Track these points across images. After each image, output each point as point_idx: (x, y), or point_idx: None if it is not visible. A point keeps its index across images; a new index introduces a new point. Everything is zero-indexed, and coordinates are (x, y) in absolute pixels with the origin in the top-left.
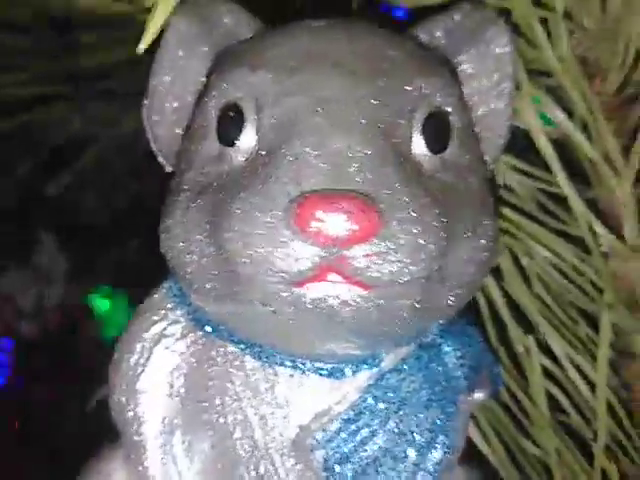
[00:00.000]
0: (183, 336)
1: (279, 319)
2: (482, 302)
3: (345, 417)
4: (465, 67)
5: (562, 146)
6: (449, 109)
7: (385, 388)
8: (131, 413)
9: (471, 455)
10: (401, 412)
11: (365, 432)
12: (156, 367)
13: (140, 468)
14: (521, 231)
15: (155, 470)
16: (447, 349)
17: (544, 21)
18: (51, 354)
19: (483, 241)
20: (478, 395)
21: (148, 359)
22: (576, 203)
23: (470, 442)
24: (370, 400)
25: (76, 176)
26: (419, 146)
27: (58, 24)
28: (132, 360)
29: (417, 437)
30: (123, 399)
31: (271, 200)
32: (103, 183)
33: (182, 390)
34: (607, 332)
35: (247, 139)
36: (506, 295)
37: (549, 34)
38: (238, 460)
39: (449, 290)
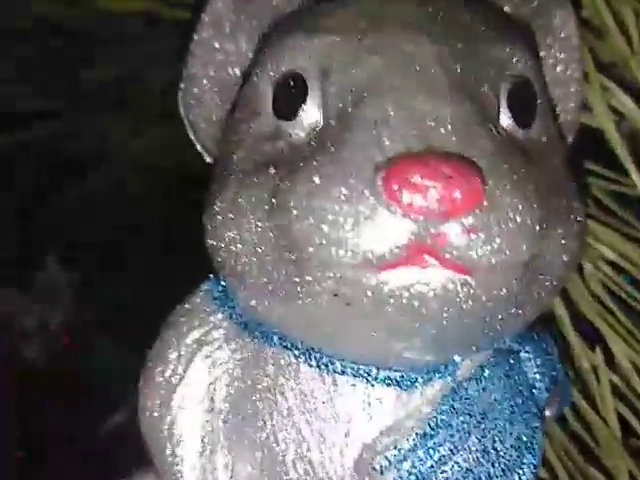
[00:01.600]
0: (226, 342)
1: (353, 315)
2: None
3: (421, 432)
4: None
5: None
6: (532, 81)
7: (464, 399)
8: (166, 432)
9: None
10: (483, 427)
11: (444, 450)
12: (195, 379)
13: None
14: (590, 236)
15: None
16: (526, 356)
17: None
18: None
19: (576, 227)
20: (546, 412)
21: (186, 370)
22: None
23: None
24: (448, 413)
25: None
26: (506, 119)
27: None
28: (167, 371)
29: (502, 455)
30: (157, 416)
31: (350, 167)
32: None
33: (225, 405)
34: None
35: (310, 111)
36: (567, 304)
37: (617, 21)
38: (292, 473)
39: (540, 284)
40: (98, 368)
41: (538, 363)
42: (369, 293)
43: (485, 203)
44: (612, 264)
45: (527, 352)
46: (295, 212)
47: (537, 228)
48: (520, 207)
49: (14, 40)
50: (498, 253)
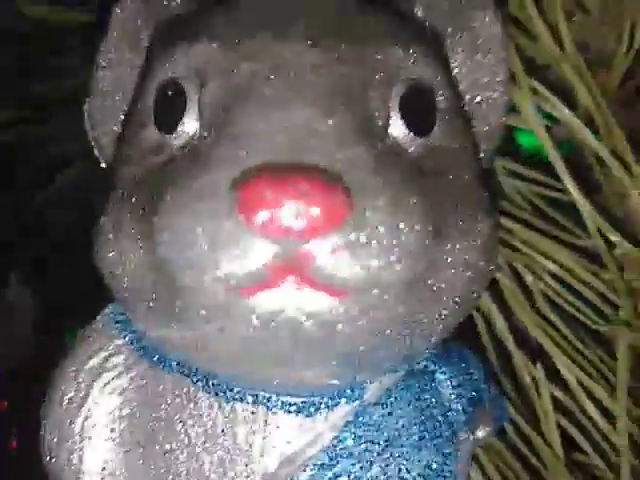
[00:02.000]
0: (127, 369)
1: (229, 340)
2: (481, 325)
3: (319, 463)
4: (453, 51)
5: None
6: (434, 84)
7: (367, 425)
8: (66, 462)
9: None
10: (387, 455)
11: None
12: (95, 407)
13: None
14: (522, 243)
15: None
16: (441, 377)
17: (539, 3)
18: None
19: (478, 242)
20: (480, 433)
21: (85, 398)
22: (586, 209)
23: None
24: (349, 441)
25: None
26: (398, 126)
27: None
28: (66, 399)
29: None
30: (55, 445)
31: (210, 186)
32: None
33: (125, 435)
34: (625, 356)
35: (189, 122)
36: (508, 317)
37: (545, 20)
38: None
39: (441, 302)
40: None
41: (454, 384)
42: (241, 319)
43: (351, 221)
44: (553, 275)
45: (443, 372)
46: (160, 234)
47: (419, 243)
48: (395, 224)
49: None
50: (370, 274)
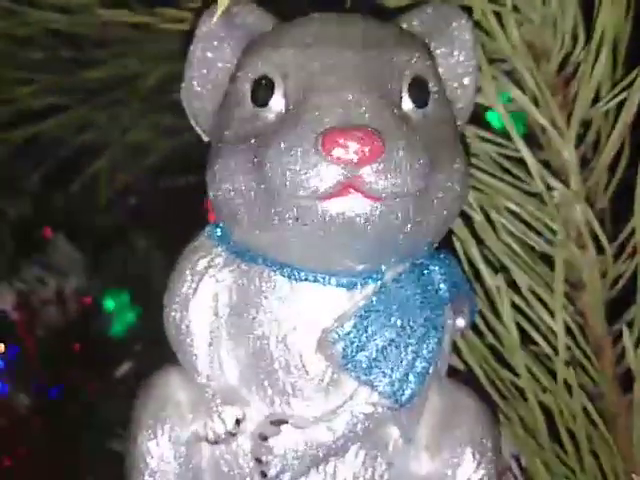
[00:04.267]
0: (226, 265)
1: (309, 234)
2: (459, 249)
3: (358, 316)
4: (437, 51)
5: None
6: (427, 76)
7: (387, 294)
8: (184, 329)
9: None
10: (401, 311)
11: (374, 327)
12: (204, 293)
13: (193, 372)
14: (490, 189)
15: (205, 372)
16: (433, 268)
17: (498, 15)
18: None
19: (457, 175)
20: (459, 322)
21: (197, 287)
22: (532, 163)
23: (455, 369)
24: (377, 303)
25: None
26: (407, 103)
27: (69, 40)
28: (185, 286)
29: (415, 330)
30: (178, 320)
31: (302, 136)
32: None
33: (226, 309)
34: (561, 268)
35: (277, 101)
36: (479, 242)
37: (502, 26)
38: (273, 359)
39: (435, 211)
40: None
41: (442, 272)
42: (319, 216)
43: (385, 155)
44: (512, 212)
45: (435, 265)
46: (269, 165)
47: (421, 170)
48: (409, 157)
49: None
50: (395, 186)
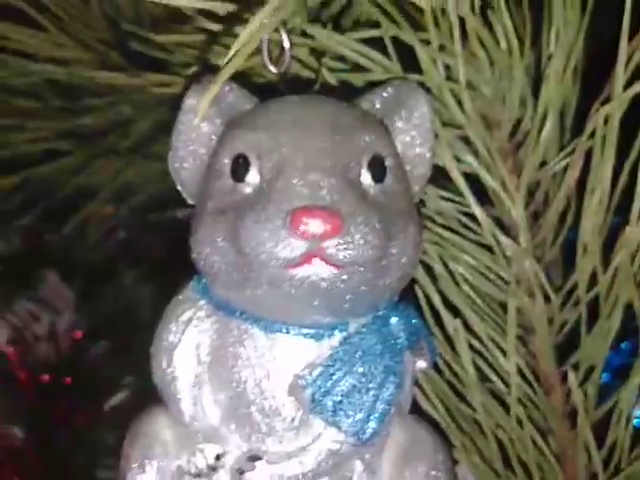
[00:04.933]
0: (208, 317)
1: (280, 295)
2: (421, 297)
3: (325, 364)
4: (398, 124)
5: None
6: (385, 154)
7: (351, 344)
8: (170, 375)
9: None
10: (363, 360)
11: (339, 374)
12: (188, 341)
13: (178, 413)
14: (448, 243)
15: (189, 414)
16: (393, 320)
17: (453, 90)
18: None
19: (410, 241)
20: (420, 364)
21: (181, 337)
22: (484, 220)
23: (418, 405)
24: (342, 353)
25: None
26: (366, 178)
27: (63, 90)
28: (170, 336)
29: (375, 376)
30: (164, 365)
31: (273, 214)
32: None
33: (208, 357)
34: (513, 314)
35: (253, 176)
36: (439, 292)
37: (458, 100)
38: (250, 402)
39: (391, 274)
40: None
41: (402, 322)
42: (288, 281)
43: (344, 231)
44: (467, 263)
45: (394, 316)
46: (244, 237)
47: (378, 242)
48: (365, 231)
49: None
50: (354, 257)
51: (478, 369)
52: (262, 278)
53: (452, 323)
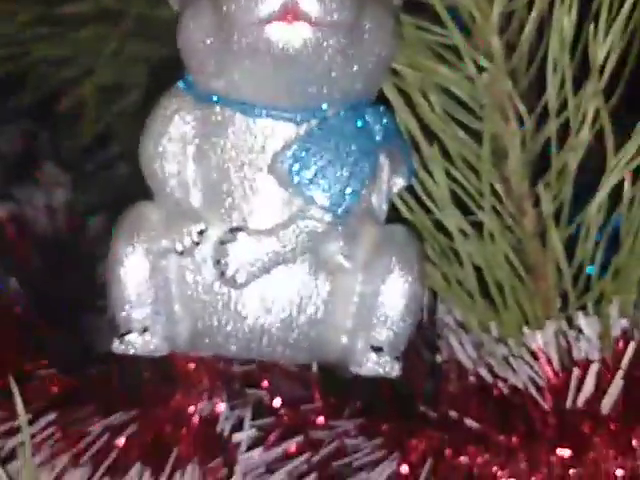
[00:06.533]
0: (193, 108)
1: (258, 68)
2: (400, 121)
3: (302, 140)
4: None
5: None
6: None
7: (328, 125)
8: (157, 157)
9: None
10: (338, 139)
11: (314, 149)
12: (174, 128)
13: (163, 197)
14: (427, 70)
15: (174, 192)
16: (369, 117)
17: None
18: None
19: (386, 20)
20: (399, 180)
21: (168, 125)
22: (464, 47)
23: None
24: (318, 132)
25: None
26: None
27: None
28: (158, 123)
29: (350, 155)
30: (152, 148)
31: None
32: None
33: (193, 146)
34: (488, 138)
35: None
36: (417, 118)
37: None
38: (231, 184)
39: (365, 55)
40: None
41: (377, 119)
42: (264, 40)
43: None
44: (445, 89)
45: (371, 114)
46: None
47: (348, 3)
48: None
49: None
50: (327, 11)
51: (454, 195)
52: (242, 39)
53: (428, 149)
